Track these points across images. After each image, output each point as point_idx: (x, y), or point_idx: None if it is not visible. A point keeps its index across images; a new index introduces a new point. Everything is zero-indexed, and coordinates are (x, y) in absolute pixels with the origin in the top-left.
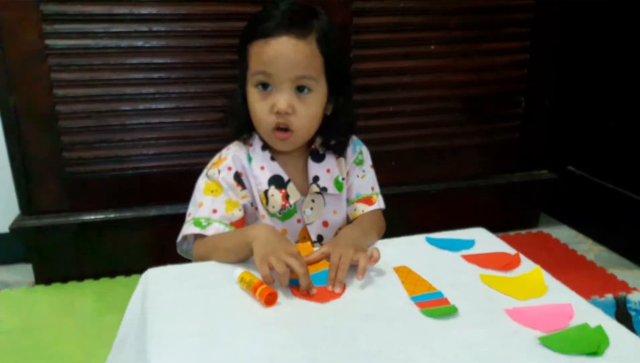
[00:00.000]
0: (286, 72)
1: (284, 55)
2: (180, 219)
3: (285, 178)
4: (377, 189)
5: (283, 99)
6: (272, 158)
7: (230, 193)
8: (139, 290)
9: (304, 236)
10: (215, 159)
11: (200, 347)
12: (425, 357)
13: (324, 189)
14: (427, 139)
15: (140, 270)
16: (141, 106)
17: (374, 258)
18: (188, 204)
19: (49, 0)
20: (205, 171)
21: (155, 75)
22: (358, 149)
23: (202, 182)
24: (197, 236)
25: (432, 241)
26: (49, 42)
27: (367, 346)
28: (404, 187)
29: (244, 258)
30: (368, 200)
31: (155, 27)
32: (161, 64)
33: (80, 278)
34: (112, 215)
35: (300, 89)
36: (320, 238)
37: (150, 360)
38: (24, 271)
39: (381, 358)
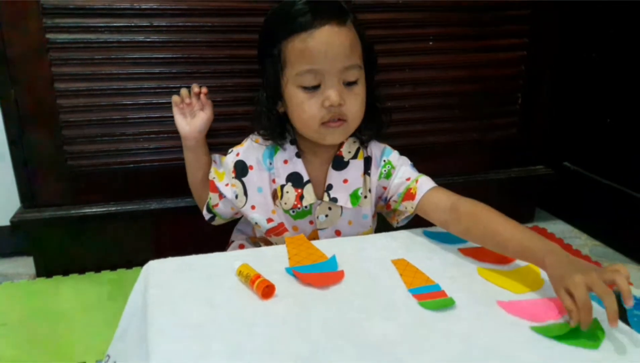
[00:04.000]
0: (335, 64)
1: (331, 45)
2: (180, 212)
3: (305, 177)
4: (412, 176)
5: (334, 92)
6: (298, 155)
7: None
8: (140, 282)
9: (314, 237)
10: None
11: (201, 338)
12: (423, 349)
13: (334, 199)
14: (424, 134)
15: (142, 263)
16: (142, 100)
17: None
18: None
19: None
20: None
21: (157, 69)
22: (384, 161)
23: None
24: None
25: (430, 235)
26: (49, 36)
27: (365, 338)
28: None
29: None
30: (409, 195)
31: (156, 22)
32: (162, 59)
33: (82, 270)
34: (113, 208)
35: (347, 84)
36: None
37: (151, 351)
38: (25, 264)
39: (379, 349)
